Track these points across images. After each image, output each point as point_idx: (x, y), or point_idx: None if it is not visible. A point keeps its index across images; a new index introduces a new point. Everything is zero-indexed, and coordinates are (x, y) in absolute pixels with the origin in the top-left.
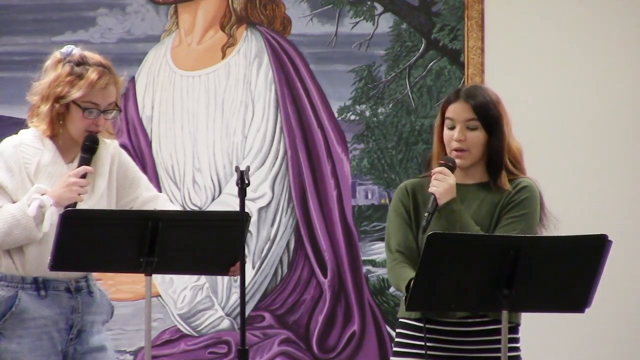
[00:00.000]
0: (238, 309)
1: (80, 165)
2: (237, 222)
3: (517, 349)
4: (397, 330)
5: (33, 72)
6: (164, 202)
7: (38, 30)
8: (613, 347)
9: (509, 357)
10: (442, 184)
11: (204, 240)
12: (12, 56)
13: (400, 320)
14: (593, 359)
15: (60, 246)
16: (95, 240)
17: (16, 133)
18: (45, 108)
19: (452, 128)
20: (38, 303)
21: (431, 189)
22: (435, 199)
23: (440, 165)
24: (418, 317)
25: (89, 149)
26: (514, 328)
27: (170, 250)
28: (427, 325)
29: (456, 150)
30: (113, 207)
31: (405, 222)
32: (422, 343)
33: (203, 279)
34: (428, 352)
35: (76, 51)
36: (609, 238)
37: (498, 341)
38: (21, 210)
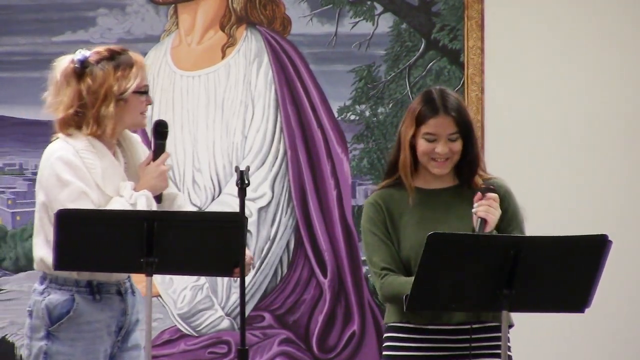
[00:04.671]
0: (238, 309)
1: (156, 152)
2: (232, 223)
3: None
4: (387, 334)
5: (33, 72)
6: (182, 202)
7: (38, 30)
8: (613, 347)
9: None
10: (496, 212)
11: (203, 241)
12: (12, 56)
13: (390, 325)
14: (593, 359)
15: (59, 246)
16: (93, 240)
17: (53, 140)
18: (107, 110)
19: (432, 141)
20: (93, 307)
21: (484, 215)
22: (482, 223)
23: (484, 191)
24: (412, 320)
25: (162, 134)
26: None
27: (170, 251)
28: (429, 327)
29: (439, 161)
30: None
31: (385, 237)
32: (414, 345)
33: (203, 279)
34: (428, 354)
35: (90, 52)
36: (609, 238)
37: (494, 338)
38: (131, 207)
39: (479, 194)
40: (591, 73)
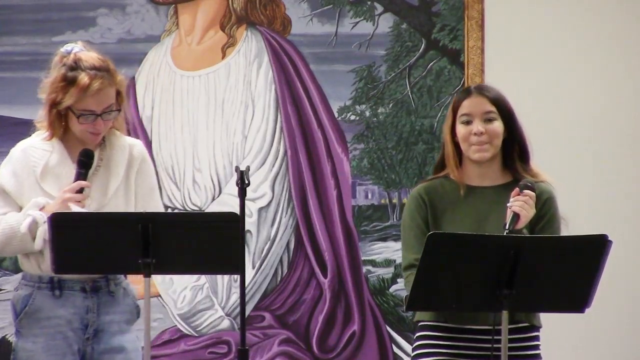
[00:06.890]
0: (238, 309)
1: (76, 179)
2: (229, 223)
3: (538, 349)
4: (419, 333)
5: (33, 72)
6: None
7: (38, 30)
8: (613, 347)
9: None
10: (530, 210)
11: (201, 242)
12: (12, 56)
13: (422, 324)
14: (593, 359)
15: (56, 249)
16: (90, 243)
17: (29, 136)
18: (45, 112)
19: (468, 123)
20: (52, 303)
21: (517, 210)
22: (515, 218)
23: (523, 187)
24: (445, 319)
25: (83, 164)
26: (534, 329)
27: (169, 251)
28: (461, 327)
29: (478, 144)
30: (131, 208)
31: (422, 233)
32: (446, 343)
33: (203, 279)
34: (461, 352)
35: (77, 50)
36: (609, 238)
37: (529, 339)
38: (18, 223)
39: (516, 189)
40: (592, 71)
